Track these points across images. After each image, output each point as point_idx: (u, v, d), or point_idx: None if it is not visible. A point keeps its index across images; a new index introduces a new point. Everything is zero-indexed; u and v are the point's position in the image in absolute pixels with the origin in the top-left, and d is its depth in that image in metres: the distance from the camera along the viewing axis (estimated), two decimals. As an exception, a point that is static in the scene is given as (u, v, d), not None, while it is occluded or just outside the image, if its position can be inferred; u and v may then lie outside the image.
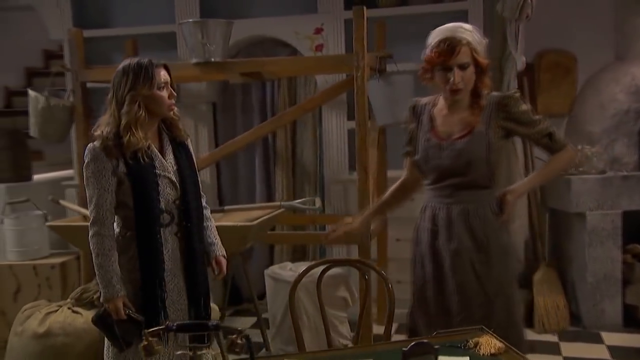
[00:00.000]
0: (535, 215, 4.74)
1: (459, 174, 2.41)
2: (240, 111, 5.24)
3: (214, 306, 3.43)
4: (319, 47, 4.78)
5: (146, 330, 1.59)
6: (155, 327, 2.36)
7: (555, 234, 4.88)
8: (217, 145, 5.09)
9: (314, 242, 4.95)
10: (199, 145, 5.05)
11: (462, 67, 2.34)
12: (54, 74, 4.91)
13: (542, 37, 4.79)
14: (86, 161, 2.36)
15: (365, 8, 3.85)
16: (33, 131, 4.44)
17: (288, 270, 4.17)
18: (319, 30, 4.78)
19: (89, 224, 2.36)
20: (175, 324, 1.58)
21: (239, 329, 1.59)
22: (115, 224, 2.42)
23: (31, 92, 4.38)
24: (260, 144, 5.20)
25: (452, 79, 2.33)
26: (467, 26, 2.40)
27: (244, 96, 5.23)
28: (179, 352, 1.60)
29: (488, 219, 2.43)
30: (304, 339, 4.05)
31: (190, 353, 1.58)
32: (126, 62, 2.40)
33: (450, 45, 2.31)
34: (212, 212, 3.98)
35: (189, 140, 2.59)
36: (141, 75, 2.34)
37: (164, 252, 2.42)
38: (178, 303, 2.48)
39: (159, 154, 2.44)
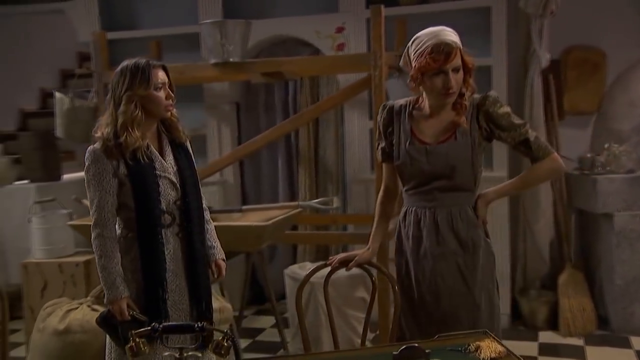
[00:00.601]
0: (561, 215, 4.64)
1: (444, 177, 2.36)
2: (263, 111, 5.27)
3: (227, 306, 3.48)
4: (341, 46, 4.76)
5: (133, 331, 1.61)
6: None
7: (582, 235, 4.76)
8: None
9: (333, 242, 4.94)
10: (222, 144, 5.09)
11: (456, 70, 2.30)
12: (78, 76, 5.01)
13: (569, 33, 4.68)
14: (87, 164, 2.37)
15: (383, 7, 3.81)
16: (59, 132, 4.53)
17: (307, 270, 4.16)
18: (340, 29, 4.76)
19: (91, 226, 2.39)
20: (161, 325, 1.59)
21: (225, 330, 1.59)
22: (117, 226, 2.44)
23: (57, 94, 4.48)
24: (283, 143, 5.21)
25: (448, 83, 2.28)
26: (449, 29, 2.34)
27: (267, 96, 5.26)
28: (166, 354, 1.60)
29: (471, 222, 2.40)
30: (323, 338, 4.10)
31: (177, 354, 1.58)
32: (124, 63, 2.41)
33: (445, 51, 2.27)
34: (230, 212, 4.05)
35: (188, 142, 2.59)
36: (138, 76, 2.35)
37: (166, 253, 2.42)
38: (180, 303, 2.49)
39: (158, 155, 2.45)
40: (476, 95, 2.42)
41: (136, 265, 2.42)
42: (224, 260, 2.65)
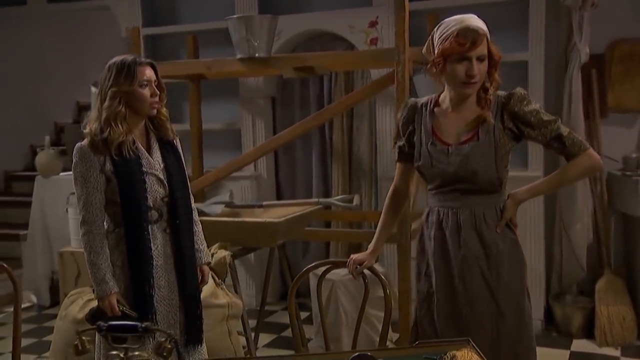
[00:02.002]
0: (601, 218, 4.41)
1: (466, 179, 2.25)
2: (298, 106, 5.25)
3: (237, 302, 3.48)
4: (374, 41, 4.68)
5: (79, 330, 1.62)
6: (145, 322, 2.44)
7: (623, 240, 4.51)
8: (274, 141, 5.12)
9: (351, 239, 4.88)
10: (256, 139, 5.10)
11: (480, 59, 2.18)
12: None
13: (614, 26, 4.44)
14: (74, 161, 2.41)
15: (407, 1, 3.71)
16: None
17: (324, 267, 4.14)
18: (373, 24, 4.68)
19: (79, 223, 2.43)
20: (106, 324, 1.60)
21: (169, 332, 1.58)
22: (105, 222, 2.48)
23: (92, 88, 4.60)
24: (318, 138, 5.19)
25: (472, 71, 2.16)
26: (476, 17, 2.23)
27: (302, 91, 5.23)
28: (112, 352, 1.61)
29: (496, 224, 2.27)
30: (342, 336, 4.06)
31: (122, 354, 1.58)
32: (113, 59, 2.44)
33: (472, 36, 2.15)
34: (252, 207, 4.06)
35: (177, 140, 2.61)
36: (123, 72, 2.38)
37: (153, 249, 2.44)
38: (169, 299, 2.51)
39: (145, 152, 2.47)
40: (501, 93, 2.29)
41: (124, 260, 2.45)
42: (209, 263, 2.66)
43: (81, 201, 2.40)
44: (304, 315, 4.64)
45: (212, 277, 3.36)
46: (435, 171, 2.30)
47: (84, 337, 1.61)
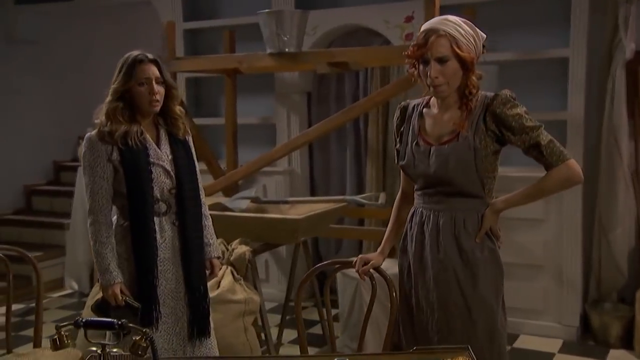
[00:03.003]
0: (644, 223, 4.20)
1: (447, 181, 2.20)
2: (334, 102, 5.19)
3: (254, 298, 3.46)
4: (409, 36, 4.57)
5: (57, 324, 1.63)
6: (149, 315, 2.46)
7: (667, 246, 4.29)
8: (309, 136, 5.09)
9: (373, 238, 4.79)
10: (291, 135, 5.07)
11: (441, 60, 2.12)
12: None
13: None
14: (83, 150, 2.45)
15: (438, -4, 3.62)
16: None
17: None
18: (409, 19, 4.58)
19: (87, 212, 2.47)
20: (83, 320, 1.60)
21: (144, 330, 1.57)
22: (114, 215, 2.51)
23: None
24: (352, 134, 5.13)
25: (430, 72, 2.12)
26: (453, 18, 2.17)
27: (338, 86, 5.18)
28: (91, 348, 1.61)
29: (476, 232, 2.21)
30: (367, 336, 4.00)
31: (99, 350, 1.58)
32: (124, 55, 2.48)
33: (426, 37, 2.12)
34: (278, 203, 4.05)
35: (189, 137, 2.62)
36: (123, 70, 2.42)
37: (160, 241, 2.47)
38: (176, 291, 2.52)
39: (153, 143, 2.49)
40: (489, 94, 2.22)
41: (130, 253, 2.47)
42: (219, 257, 2.66)
43: (88, 190, 2.45)
44: (333, 312, 4.61)
45: (232, 272, 3.37)
46: (417, 172, 2.27)
47: (62, 332, 1.61)
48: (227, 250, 3.44)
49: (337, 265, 2.58)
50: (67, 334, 1.63)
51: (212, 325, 2.68)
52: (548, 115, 4.04)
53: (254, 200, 3.99)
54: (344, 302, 4.12)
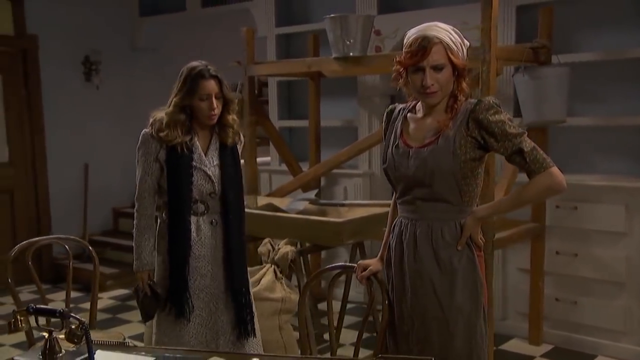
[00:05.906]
0: None
1: (424, 185, 2.16)
2: (416, 105, 5.12)
3: (291, 297, 3.54)
4: (487, 37, 4.40)
5: (15, 309, 1.81)
6: (180, 307, 2.63)
7: None
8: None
9: None
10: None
11: (436, 68, 2.10)
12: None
13: None
14: (138, 144, 2.68)
15: (498, -5, 3.47)
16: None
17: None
18: (487, 19, 4.40)
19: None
20: (33, 307, 1.76)
21: (82, 320, 1.70)
22: (159, 213, 2.72)
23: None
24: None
25: (425, 80, 2.10)
26: (443, 25, 2.14)
27: (420, 89, 5.10)
28: (43, 334, 1.78)
29: (454, 240, 2.15)
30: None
31: (46, 335, 1.75)
32: (187, 65, 2.66)
33: (422, 45, 2.09)
34: (336, 205, 4.10)
35: (240, 144, 2.79)
36: (187, 85, 2.60)
37: (196, 239, 2.64)
38: (212, 288, 2.69)
39: (200, 148, 2.66)
40: (472, 100, 2.18)
41: (167, 246, 2.67)
42: None
43: (137, 181, 2.68)
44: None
45: (274, 271, 3.48)
46: (397, 174, 2.25)
47: (18, 316, 1.79)
48: (273, 249, 3.55)
49: (338, 270, 2.59)
50: (22, 318, 1.80)
51: (257, 325, 2.81)
52: (626, 120, 3.71)
53: (313, 202, 4.07)
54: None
